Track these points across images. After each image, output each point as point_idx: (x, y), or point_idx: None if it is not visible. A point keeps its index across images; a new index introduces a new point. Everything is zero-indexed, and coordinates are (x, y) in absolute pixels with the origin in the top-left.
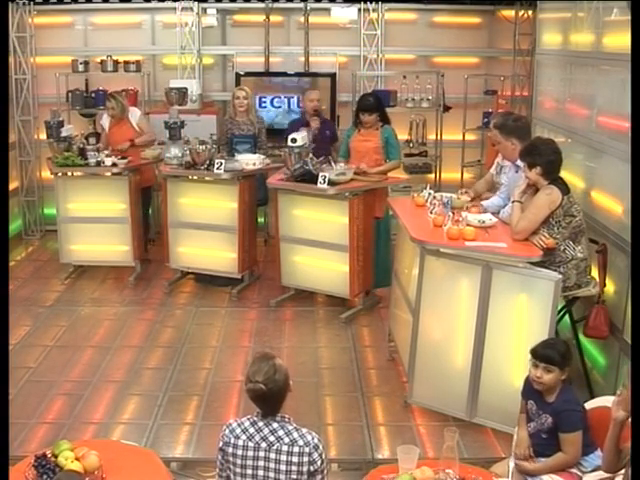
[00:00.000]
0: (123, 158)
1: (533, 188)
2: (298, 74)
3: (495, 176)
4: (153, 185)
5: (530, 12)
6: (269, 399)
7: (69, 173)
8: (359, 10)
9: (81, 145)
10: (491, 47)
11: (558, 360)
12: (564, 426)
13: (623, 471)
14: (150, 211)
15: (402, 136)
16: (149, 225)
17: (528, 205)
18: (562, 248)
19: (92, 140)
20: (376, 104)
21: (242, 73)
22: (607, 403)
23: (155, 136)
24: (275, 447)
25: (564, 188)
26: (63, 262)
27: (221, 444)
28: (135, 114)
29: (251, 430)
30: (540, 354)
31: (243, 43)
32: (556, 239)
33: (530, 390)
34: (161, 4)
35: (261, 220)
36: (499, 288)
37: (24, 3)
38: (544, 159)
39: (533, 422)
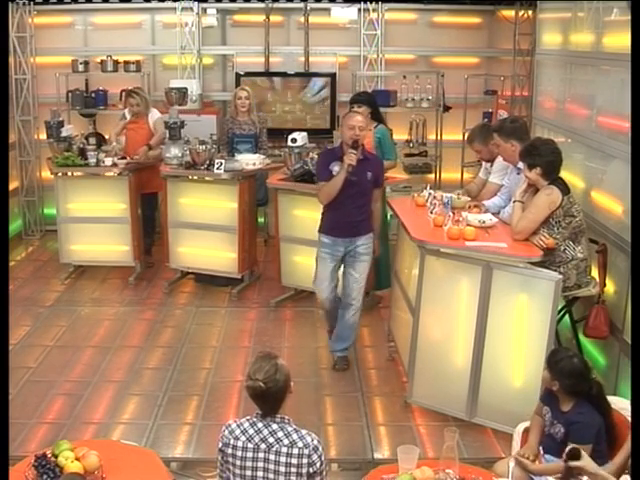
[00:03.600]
0: (123, 158)
1: (534, 188)
2: (298, 74)
3: (483, 173)
4: (159, 193)
5: (530, 12)
6: (268, 398)
7: (69, 173)
8: (359, 10)
9: (81, 145)
10: (491, 47)
11: (551, 365)
12: (574, 438)
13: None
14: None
15: (402, 136)
16: (154, 230)
17: (528, 205)
18: (562, 248)
19: (92, 140)
20: (367, 98)
21: (242, 73)
22: None
23: (166, 135)
24: (274, 449)
25: (564, 188)
26: (63, 262)
27: (220, 445)
28: (154, 115)
29: (250, 431)
30: (552, 350)
31: (243, 43)
32: (556, 239)
33: (547, 396)
34: (161, 4)
35: (261, 220)
36: (499, 288)
37: (24, 3)
38: (544, 159)
39: (546, 427)
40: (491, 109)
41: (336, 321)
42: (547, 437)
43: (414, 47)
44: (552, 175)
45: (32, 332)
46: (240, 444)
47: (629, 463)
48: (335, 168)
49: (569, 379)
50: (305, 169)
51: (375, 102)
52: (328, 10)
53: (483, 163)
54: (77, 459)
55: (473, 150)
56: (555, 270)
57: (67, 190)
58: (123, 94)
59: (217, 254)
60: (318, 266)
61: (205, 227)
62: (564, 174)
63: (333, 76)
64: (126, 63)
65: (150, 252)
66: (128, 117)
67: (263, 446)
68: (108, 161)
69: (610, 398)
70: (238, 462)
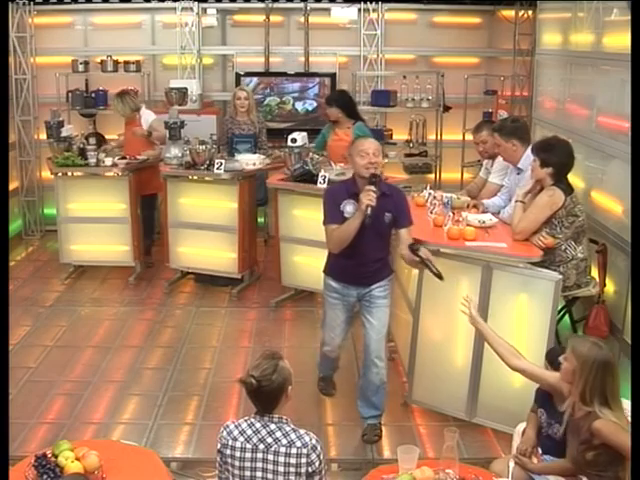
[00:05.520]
0: (123, 158)
1: (536, 190)
2: (298, 74)
3: (484, 172)
4: (158, 192)
5: (530, 12)
6: (261, 397)
7: (69, 173)
8: (359, 10)
9: (81, 145)
10: (491, 47)
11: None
12: None
13: None
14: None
15: (402, 136)
16: (153, 231)
17: (530, 205)
18: (563, 248)
19: (92, 140)
20: (336, 97)
21: (242, 73)
22: None
23: (166, 134)
24: (273, 449)
25: (567, 188)
26: (63, 262)
27: (219, 446)
28: (148, 117)
29: (249, 432)
30: (548, 351)
31: (243, 43)
32: (558, 239)
33: (541, 397)
34: (161, 4)
35: (261, 220)
36: (499, 288)
37: (24, 3)
38: (558, 161)
39: (544, 429)
40: (491, 109)
41: (332, 369)
42: (545, 438)
43: (414, 47)
44: (560, 177)
45: (32, 332)
46: (238, 445)
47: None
48: (347, 208)
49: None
50: (305, 169)
51: (348, 100)
52: (328, 10)
53: (484, 163)
54: (77, 459)
55: (478, 141)
56: (555, 270)
57: (67, 190)
58: None
59: (217, 254)
60: (327, 312)
61: (205, 227)
62: None
63: (333, 76)
64: (126, 63)
65: (150, 252)
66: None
67: (261, 446)
68: (108, 161)
69: None
70: (237, 463)
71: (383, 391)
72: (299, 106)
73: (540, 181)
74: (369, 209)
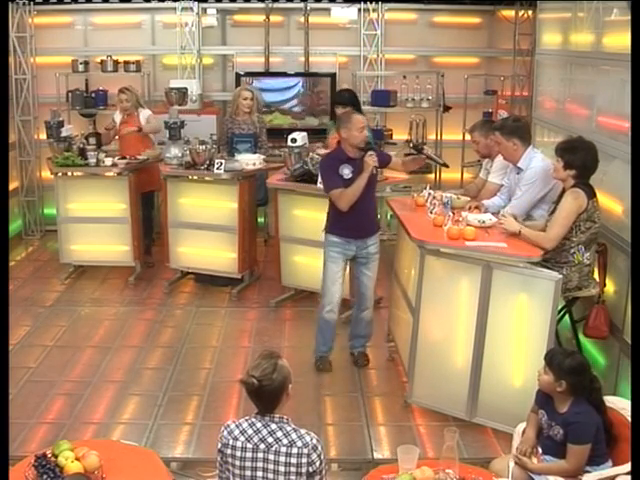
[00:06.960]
0: (123, 158)
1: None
2: (298, 74)
3: (484, 173)
4: (156, 190)
5: (530, 12)
6: (262, 396)
7: (69, 173)
8: (359, 10)
9: (81, 145)
10: (491, 47)
11: (554, 366)
12: (572, 437)
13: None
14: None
15: (402, 136)
16: (152, 230)
17: (557, 210)
18: (572, 251)
19: (92, 140)
20: (350, 98)
21: (242, 73)
22: (607, 403)
23: (162, 127)
24: (274, 448)
25: (589, 191)
26: (63, 262)
27: (219, 446)
28: (146, 113)
29: (249, 431)
30: (547, 352)
31: (243, 43)
32: (571, 242)
33: (541, 399)
34: (161, 4)
35: (261, 220)
36: (499, 288)
37: (24, 3)
38: (582, 163)
39: (544, 430)
40: (491, 109)
41: (331, 339)
42: (546, 439)
43: (414, 47)
44: (582, 180)
45: (32, 332)
46: (239, 444)
47: None
48: (345, 171)
49: (577, 375)
50: (305, 169)
51: (357, 100)
52: (328, 10)
53: (483, 163)
54: (77, 459)
55: (472, 140)
56: (558, 270)
57: (67, 190)
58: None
59: (217, 254)
60: (329, 266)
61: (205, 227)
62: None
63: (333, 76)
64: (126, 63)
65: (150, 252)
66: (117, 120)
67: (262, 446)
68: (108, 161)
69: (610, 398)
70: (237, 462)
71: (371, 323)
72: None
73: (560, 180)
74: (374, 169)
